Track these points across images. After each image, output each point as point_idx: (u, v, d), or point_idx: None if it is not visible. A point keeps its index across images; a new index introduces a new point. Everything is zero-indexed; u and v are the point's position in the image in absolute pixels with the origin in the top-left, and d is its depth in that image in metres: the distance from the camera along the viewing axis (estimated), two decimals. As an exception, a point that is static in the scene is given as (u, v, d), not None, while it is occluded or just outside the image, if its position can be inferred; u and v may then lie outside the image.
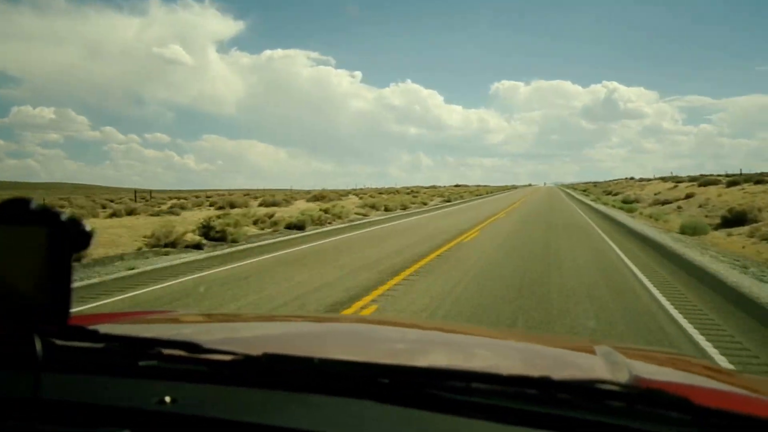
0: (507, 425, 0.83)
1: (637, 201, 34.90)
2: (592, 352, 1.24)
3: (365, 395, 0.88)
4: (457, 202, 47.61)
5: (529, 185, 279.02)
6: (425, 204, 41.68)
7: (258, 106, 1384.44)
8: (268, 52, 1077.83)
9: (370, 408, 0.87)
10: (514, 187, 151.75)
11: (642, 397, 0.83)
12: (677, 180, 46.13)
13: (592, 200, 46.96)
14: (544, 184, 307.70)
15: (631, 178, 71.10)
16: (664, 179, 54.20)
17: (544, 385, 0.85)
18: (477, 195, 58.86)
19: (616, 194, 49.69)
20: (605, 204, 37.50)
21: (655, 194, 38.13)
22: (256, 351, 0.96)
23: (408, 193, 61.06)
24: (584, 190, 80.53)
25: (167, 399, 0.87)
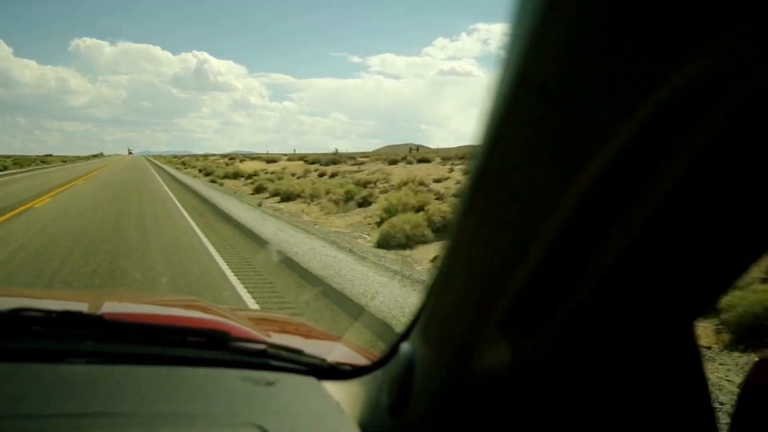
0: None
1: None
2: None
3: None
4: None
5: (100, 155, 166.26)
6: None
7: None
8: None
9: None
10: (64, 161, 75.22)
11: (104, 325, 0.97)
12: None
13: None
14: (129, 152, 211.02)
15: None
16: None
17: (49, 321, 0.93)
18: None
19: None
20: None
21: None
22: None
23: None
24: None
25: None
